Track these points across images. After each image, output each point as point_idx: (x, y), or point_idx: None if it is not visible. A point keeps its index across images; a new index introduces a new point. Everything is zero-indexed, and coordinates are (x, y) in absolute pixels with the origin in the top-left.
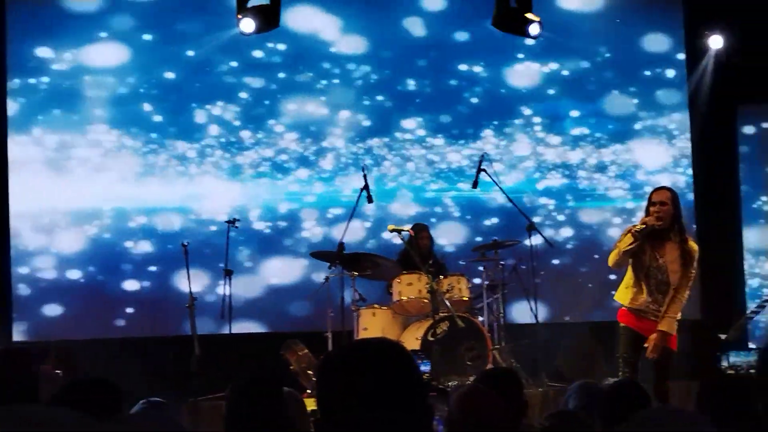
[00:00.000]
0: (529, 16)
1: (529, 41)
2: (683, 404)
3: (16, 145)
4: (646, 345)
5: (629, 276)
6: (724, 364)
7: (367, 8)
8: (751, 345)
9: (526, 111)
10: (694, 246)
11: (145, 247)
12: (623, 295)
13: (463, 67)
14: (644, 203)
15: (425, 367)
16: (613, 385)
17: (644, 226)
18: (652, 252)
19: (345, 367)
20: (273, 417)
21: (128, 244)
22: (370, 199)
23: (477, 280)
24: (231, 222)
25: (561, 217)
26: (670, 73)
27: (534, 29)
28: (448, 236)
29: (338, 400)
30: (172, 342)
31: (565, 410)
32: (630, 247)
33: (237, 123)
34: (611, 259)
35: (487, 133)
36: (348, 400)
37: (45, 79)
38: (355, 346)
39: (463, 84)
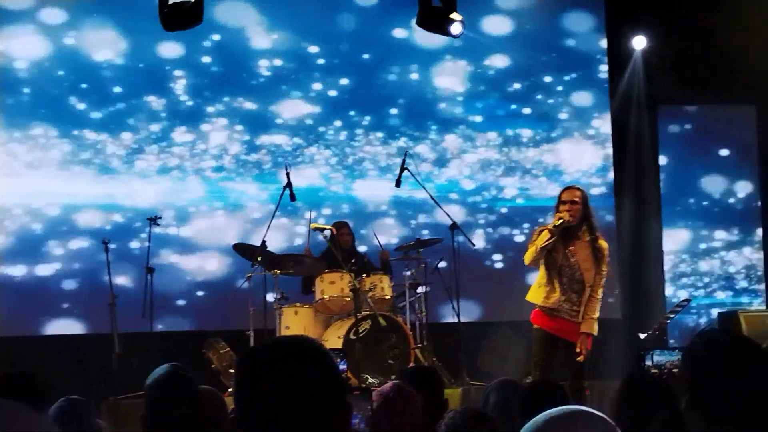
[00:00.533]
0: (452, 15)
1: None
2: (603, 404)
3: None
4: (562, 346)
5: (542, 275)
6: (648, 363)
7: (295, 3)
8: (673, 344)
9: (456, 110)
10: (604, 244)
11: (66, 244)
12: (536, 295)
13: (394, 68)
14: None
15: (342, 366)
16: (531, 384)
17: (561, 221)
18: (564, 250)
19: (263, 365)
20: (191, 415)
21: (49, 241)
22: (292, 197)
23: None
24: (153, 219)
25: (493, 217)
26: (593, 73)
27: (456, 28)
28: (371, 235)
29: (256, 398)
30: (93, 340)
31: (469, 407)
32: (547, 243)
33: (163, 120)
34: (528, 257)
35: (416, 131)
36: (266, 398)
37: None
38: (273, 344)
39: (392, 83)
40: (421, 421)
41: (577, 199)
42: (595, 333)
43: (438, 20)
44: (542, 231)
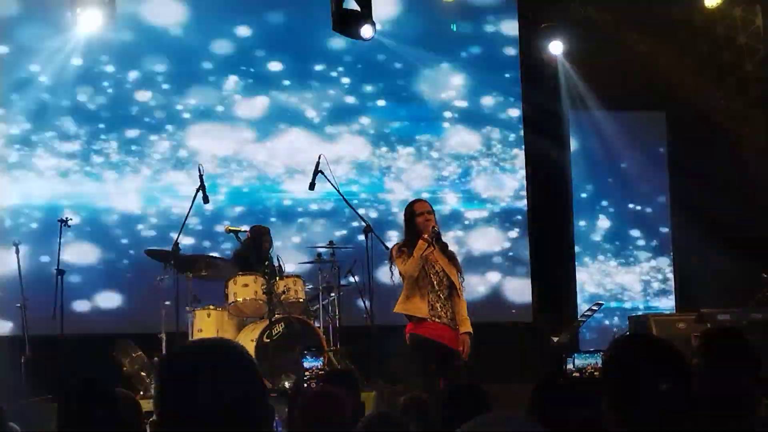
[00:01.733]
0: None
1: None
2: (515, 407)
3: None
4: (444, 352)
5: (411, 287)
6: (570, 366)
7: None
8: (590, 348)
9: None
10: (452, 250)
11: None
12: (410, 307)
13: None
14: (427, 214)
15: None
16: (451, 389)
17: (434, 229)
18: (428, 260)
19: (185, 368)
20: (107, 419)
21: None
22: (206, 200)
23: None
24: (63, 221)
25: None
26: (505, 76)
27: (366, 31)
28: (284, 238)
29: (179, 401)
30: (2, 342)
31: (381, 412)
32: (426, 251)
33: (77, 117)
34: (409, 268)
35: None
36: (189, 401)
37: None
38: (194, 347)
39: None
40: (347, 424)
41: (431, 210)
42: (472, 331)
43: (349, 23)
44: (402, 246)
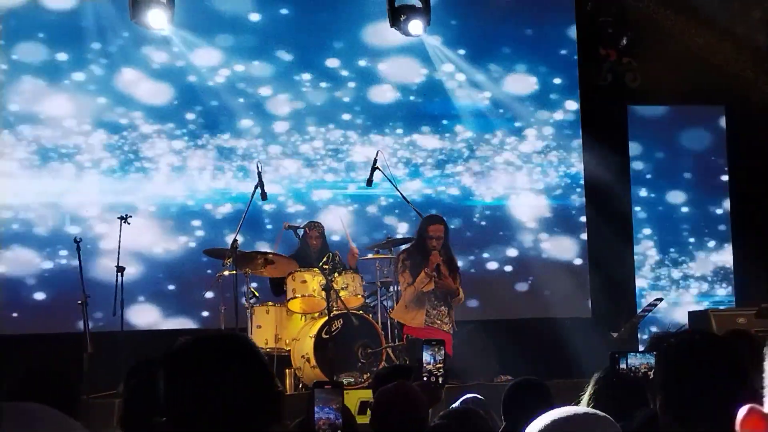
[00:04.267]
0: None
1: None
2: (575, 402)
3: None
4: None
5: (409, 297)
6: (623, 366)
7: None
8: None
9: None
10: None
11: (36, 243)
12: (406, 316)
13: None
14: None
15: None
16: (515, 384)
17: (436, 266)
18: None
19: (191, 362)
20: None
21: (20, 239)
22: (264, 196)
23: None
24: (123, 218)
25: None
26: (561, 71)
27: (415, 27)
28: (342, 235)
29: (185, 395)
30: (64, 339)
31: (460, 408)
32: (427, 286)
33: (128, 118)
34: (409, 296)
35: (389, 131)
36: (195, 394)
37: None
38: (200, 340)
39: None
40: (426, 419)
41: (442, 234)
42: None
43: (400, 18)
44: (406, 259)
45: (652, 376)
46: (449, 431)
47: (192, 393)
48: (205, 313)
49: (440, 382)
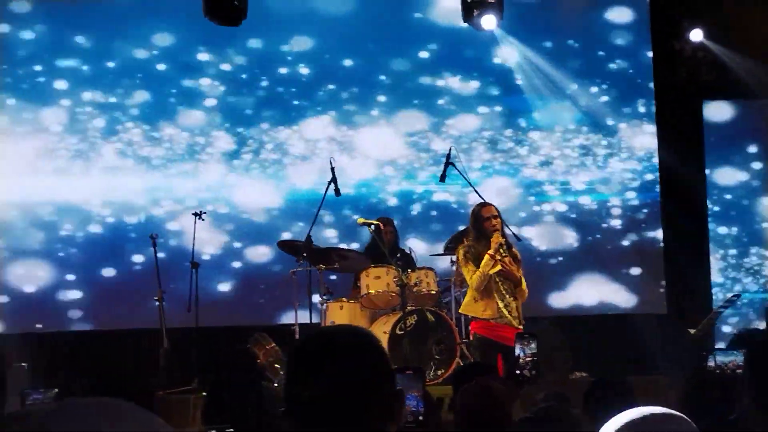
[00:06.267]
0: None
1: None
2: (656, 400)
3: None
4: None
5: (478, 282)
6: (711, 363)
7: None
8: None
9: (497, 107)
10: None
11: (110, 239)
12: (473, 308)
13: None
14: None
15: None
16: (597, 382)
17: (499, 244)
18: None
19: (314, 355)
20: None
21: (95, 236)
22: (337, 193)
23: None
24: (197, 214)
25: (537, 208)
26: (636, 65)
27: (487, 22)
28: (417, 230)
29: (307, 388)
30: (140, 335)
31: (546, 406)
32: (493, 268)
33: (203, 115)
34: (476, 282)
35: (455, 126)
36: (317, 387)
37: None
38: (323, 334)
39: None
40: (509, 415)
41: (496, 214)
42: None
43: (471, 12)
44: (467, 251)
45: (741, 373)
46: (535, 429)
47: (311, 386)
48: (279, 310)
49: (531, 376)
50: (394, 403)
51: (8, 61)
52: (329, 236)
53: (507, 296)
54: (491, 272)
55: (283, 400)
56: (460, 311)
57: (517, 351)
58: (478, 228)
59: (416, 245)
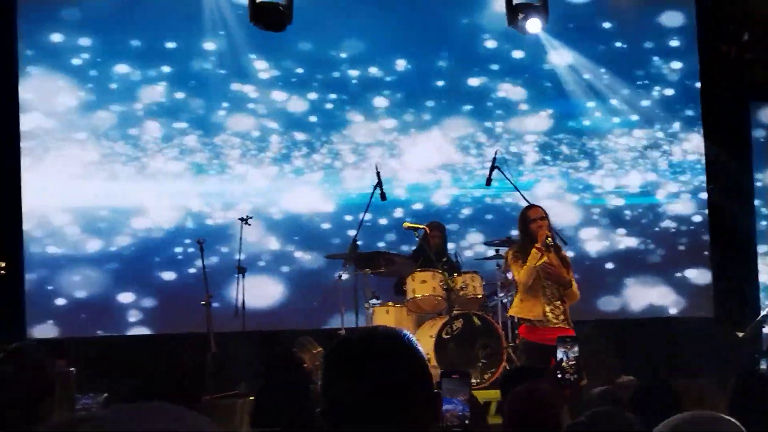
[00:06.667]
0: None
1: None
2: (703, 403)
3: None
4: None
5: (524, 291)
6: (763, 366)
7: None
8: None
9: (547, 110)
10: (564, 252)
11: (158, 245)
12: (523, 310)
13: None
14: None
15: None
16: (643, 386)
17: (548, 239)
18: (542, 264)
19: (351, 357)
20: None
21: (140, 241)
22: (383, 197)
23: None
24: (244, 219)
25: (586, 211)
26: (684, 68)
27: (533, 25)
28: (461, 235)
29: (344, 390)
30: (188, 339)
31: (602, 410)
32: (540, 261)
33: (249, 121)
34: (524, 277)
35: (501, 130)
36: (354, 390)
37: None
38: (360, 336)
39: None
40: (560, 424)
41: (544, 216)
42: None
43: (516, 15)
44: (516, 252)
45: None
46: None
47: (348, 387)
48: (325, 314)
49: (573, 380)
50: (432, 406)
51: (63, 68)
52: (381, 240)
53: (554, 300)
54: (538, 264)
55: (321, 401)
56: (508, 313)
57: (560, 355)
58: (525, 229)
59: (463, 249)
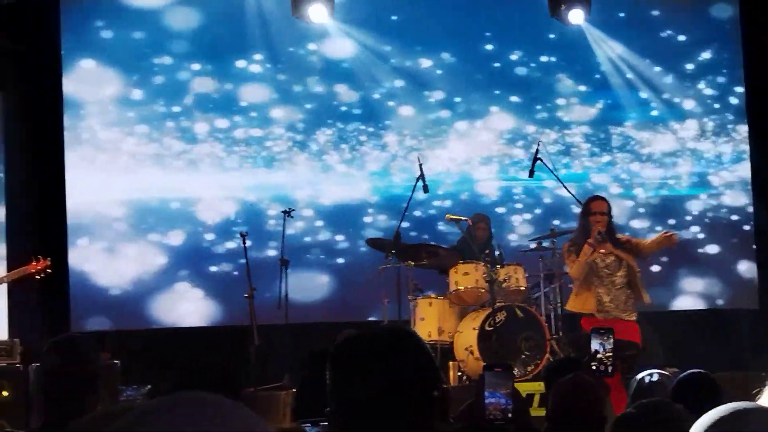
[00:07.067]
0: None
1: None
2: (747, 395)
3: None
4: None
5: (579, 284)
6: None
7: None
8: None
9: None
10: (623, 237)
11: (202, 238)
12: (578, 304)
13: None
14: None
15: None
16: (686, 377)
17: (600, 235)
18: (598, 255)
19: (357, 355)
20: None
21: (186, 234)
22: (425, 189)
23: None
24: (287, 212)
25: (631, 203)
26: (729, 60)
27: (575, 17)
28: (505, 226)
29: (351, 388)
30: (232, 331)
31: (651, 401)
32: (591, 256)
33: (297, 116)
34: (575, 272)
35: (546, 121)
36: (361, 388)
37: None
38: (365, 334)
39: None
40: (603, 411)
41: (605, 210)
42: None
43: (559, 6)
44: (571, 245)
45: None
46: (639, 423)
47: (356, 386)
48: (367, 306)
49: (609, 371)
50: (441, 403)
51: (109, 60)
52: (424, 233)
53: (616, 289)
54: (588, 260)
55: (329, 400)
56: (565, 307)
57: (594, 346)
58: (584, 221)
59: (507, 241)
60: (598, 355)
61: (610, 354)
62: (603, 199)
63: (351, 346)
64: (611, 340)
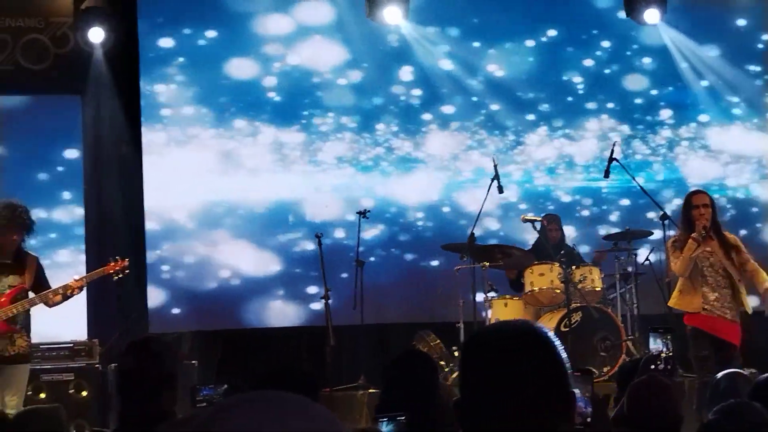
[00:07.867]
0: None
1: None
2: None
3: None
4: (716, 344)
5: (684, 281)
6: None
7: None
8: None
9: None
10: (731, 236)
11: (277, 239)
12: (682, 302)
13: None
14: None
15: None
16: (764, 379)
17: (704, 229)
18: (702, 253)
19: (487, 350)
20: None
21: (262, 235)
22: (500, 190)
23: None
24: (362, 213)
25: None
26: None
27: (651, 16)
28: (577, 227)
29: (480, 382)
30: (307, 332)
31: (738, 401)
32: (696, 251)
33: (371, 114)
34: (679, 268)
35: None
36: (490, 382)
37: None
38: (497, 329)
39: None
40: (678, 411)
41: (707, 203)
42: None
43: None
44: (675, 241)
45: None
46: (725, 430)
47: (486, 382)
48: (443, 307)
49: (667, 372)
50: (567, 404)
51: (185, 63)
52: (498, 233)
53: (720, 288)
54: (692, 255)
55: (459, 391)
56: (668, 304)
57: (653, 345)
58: (687, 215)
59: (581, 242)
60: (662, 355)
61: (670, 354)
62: (704, 192)
63: (483, 342)
64: (670, 342)
